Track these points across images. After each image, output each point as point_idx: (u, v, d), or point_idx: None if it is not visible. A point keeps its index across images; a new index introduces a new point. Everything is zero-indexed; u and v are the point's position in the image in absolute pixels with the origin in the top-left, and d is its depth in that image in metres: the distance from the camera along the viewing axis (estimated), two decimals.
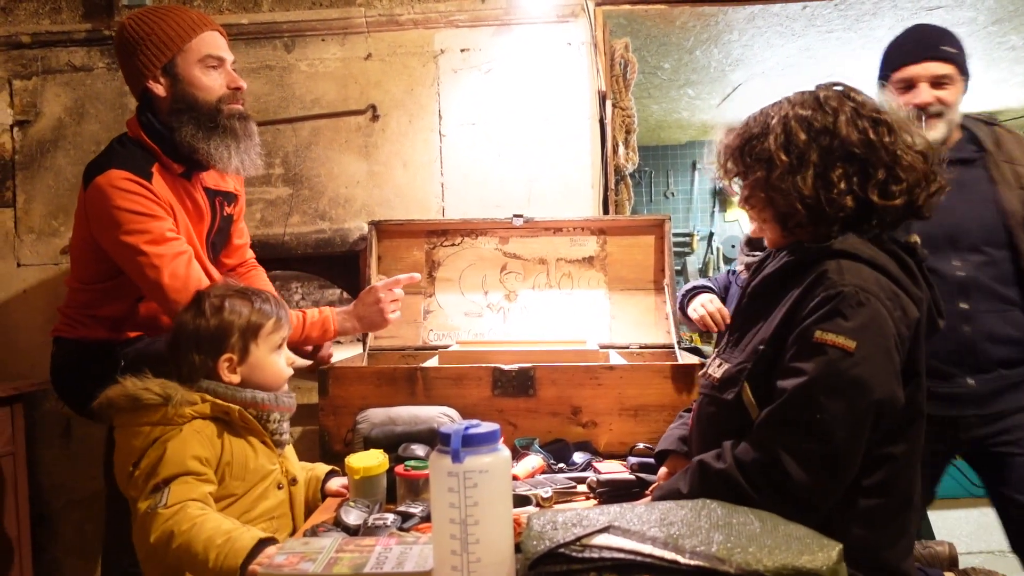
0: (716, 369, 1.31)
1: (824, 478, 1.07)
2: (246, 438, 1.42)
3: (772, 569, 0.82)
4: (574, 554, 0.88)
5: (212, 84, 1.81)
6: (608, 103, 2.57)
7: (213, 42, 1.82)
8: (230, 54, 1.87)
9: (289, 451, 1.55)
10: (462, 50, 2.53)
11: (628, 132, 2.68)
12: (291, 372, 1.53)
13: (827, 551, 0.85)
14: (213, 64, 1.81)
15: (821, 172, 1.20)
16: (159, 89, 1.79)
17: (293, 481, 1.51)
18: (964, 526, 3.56)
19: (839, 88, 1.26)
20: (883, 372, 1.10)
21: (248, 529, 1.23)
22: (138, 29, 1.78)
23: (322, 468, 1.62)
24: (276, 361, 1.49)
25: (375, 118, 2.54)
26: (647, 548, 0.87)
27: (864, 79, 1.35)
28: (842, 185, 1.19)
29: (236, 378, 1.44)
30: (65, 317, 1.90)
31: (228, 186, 1.98)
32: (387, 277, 2.32)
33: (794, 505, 1.03)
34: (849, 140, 1.19)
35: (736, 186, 1.35)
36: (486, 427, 0.91)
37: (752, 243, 2.38)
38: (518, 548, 0.93)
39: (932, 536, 2.85)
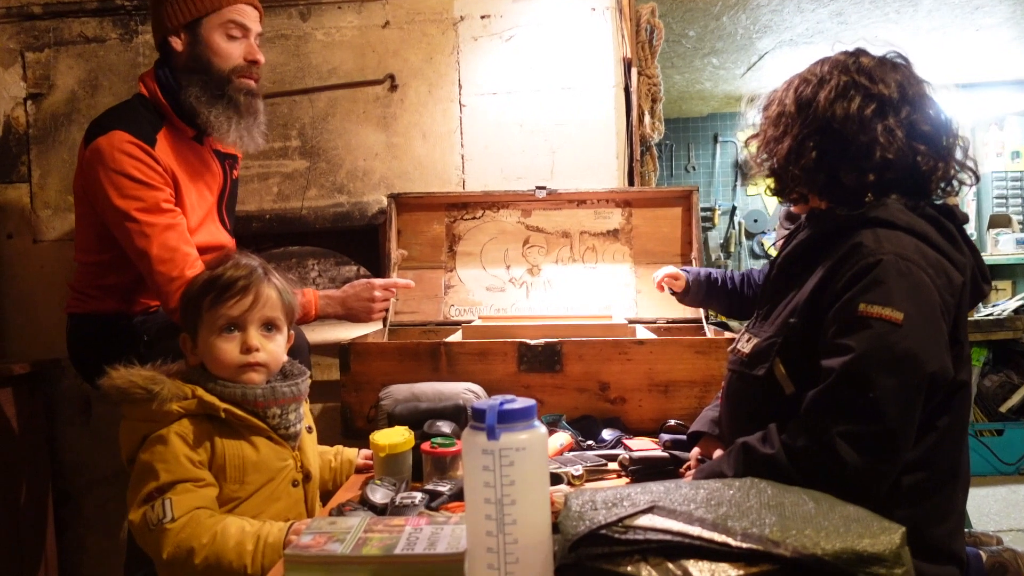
0: (745, 344, 1.26)
1: (880, 460, 1.00)
2: (245, 436, 1.28)
3: (831, 553, 0.77)
4: (617, 536, 0.83)
5: (230, 52, 1.80)
6: (633, 70, 2.48)
7: (244, 11, 1.81)
8: (258, 26, 1.85)
9: (306, 442, 1.40)
10: (482, 16, 2.45)
11: (654, 101, 2.60)
12: (247, 360, 1.28)
13: (889, 534, 0.79)
14: (235, 32, 1.80)
15: (798, 143, 1.19)
16: (177, 44, 1.78)
17: (307, 477, 1.37)
18: (992, 504, 3.51)
19: (851, 55, 1.21)
20: (933, 343, 1.04)
21: (271, 523, 1.19)
22: None
23: (351, 451, 1.57)
24: (216, 345, 1.28)
25: (393, 88, 2.47)
26: (695, 530, 0.82)
27: (899, 44, 1.27)
28: (812, 156, 1.17)
29: (196, 360, 1.31)
30: (75, 292, 1.88)
31: (232, 149, 1.97)
32: (406, 251, 2.30)
33: (848, 491, 0.96)
34: (831, 113, 1.16)
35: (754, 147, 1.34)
36: (522, 403, 0.86)
37: (791, 217, 2.30)
38: (555, 529, 0.89)
39: (967, 518, 2.79)
